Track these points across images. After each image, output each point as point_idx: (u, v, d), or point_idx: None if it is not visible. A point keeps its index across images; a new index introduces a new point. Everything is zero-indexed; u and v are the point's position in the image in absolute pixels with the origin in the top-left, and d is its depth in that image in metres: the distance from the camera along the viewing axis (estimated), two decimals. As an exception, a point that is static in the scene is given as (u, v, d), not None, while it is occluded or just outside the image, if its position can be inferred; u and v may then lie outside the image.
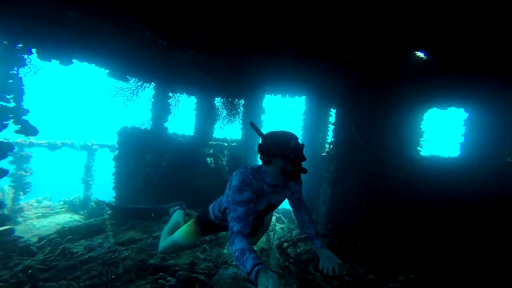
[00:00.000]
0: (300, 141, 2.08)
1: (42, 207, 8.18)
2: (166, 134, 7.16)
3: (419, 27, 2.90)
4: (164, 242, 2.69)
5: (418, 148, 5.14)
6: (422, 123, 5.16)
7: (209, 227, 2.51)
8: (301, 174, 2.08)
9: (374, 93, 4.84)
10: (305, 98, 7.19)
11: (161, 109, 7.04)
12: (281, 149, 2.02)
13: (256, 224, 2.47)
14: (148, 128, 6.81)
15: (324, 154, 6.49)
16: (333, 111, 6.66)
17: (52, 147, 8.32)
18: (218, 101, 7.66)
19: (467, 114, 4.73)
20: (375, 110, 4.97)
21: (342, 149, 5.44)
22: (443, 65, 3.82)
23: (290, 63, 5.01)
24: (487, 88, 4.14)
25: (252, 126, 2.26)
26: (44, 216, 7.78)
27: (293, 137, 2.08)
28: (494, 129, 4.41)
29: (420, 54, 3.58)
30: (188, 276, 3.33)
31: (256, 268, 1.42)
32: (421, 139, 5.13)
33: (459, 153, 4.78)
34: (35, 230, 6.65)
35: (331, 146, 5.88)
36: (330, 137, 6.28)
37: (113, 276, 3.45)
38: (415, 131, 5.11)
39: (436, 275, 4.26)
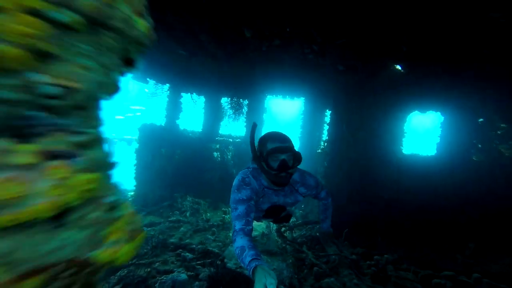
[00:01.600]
0: (287, 145, 1.87)
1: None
2: (178, 130, 7.91)
3: (391, 50, 3.62)
4: None
5: (401, 147, 5.90)
6: (405, 124, 5.90)
7: None
8: (280, 184, 1.90)
9: (363, 98, 5.56)
10: (303, 100, 7.92)
11: (174, 108, 7.77)
12: (261, 151, 1.92)
13: (280, 214, 2.38)
14: (163, 125, 7.56)
15: (319, 151, 7.25)
16: (328, 112, 7.38)
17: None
18: (224, 101, 8.37)
19: (443, 117, 5.47)
20: (364, 113, 5.69)
21: (334, 147, 6.19)
22: (416, 77, 4.55)
23: (290, 71, 5.73)
24: (456, 96, 4.87)
25: (252, 127, 2.07)
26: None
27: (275, 139, 1.92)
28: (463, 132, 5.16)
29: (398, 67, 4.30)
30: (205, 249, 4.14)
31: (253, 264, 1.44)
32: (403, 139, 5.88)
33: (435, 152, 5.53)
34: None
35: (325, 144, 6.64)
36: (325, 136, 7.04)
37: (145, 250, 4.25)
38: (398, 131, 5.85)
39: (409, 254, 5.06)
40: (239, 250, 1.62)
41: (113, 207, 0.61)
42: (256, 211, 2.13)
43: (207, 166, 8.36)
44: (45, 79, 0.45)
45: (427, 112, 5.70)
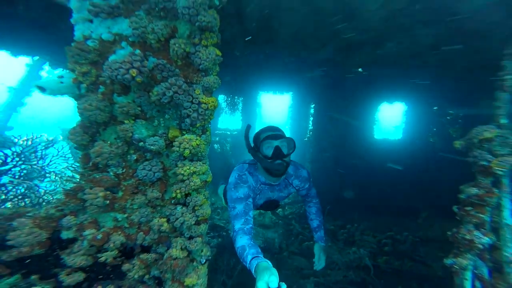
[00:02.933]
0: (278, 133, 1.91)
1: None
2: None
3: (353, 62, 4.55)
4: None
5: (373, 133, 6.93)
6: (376, 113, 6.89)
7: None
8: (275, 172, 1.89)
9: (339, 93, 6.51)
10: (291, 94, 8.84)
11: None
12: (256, 144, 1.94)
13: (273, 208, 2.44)
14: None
15: (306, 139, 8.29)
16: (312, 105, 8.34)
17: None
18: (221, 98, 9.29)
19: (406, 107, 6.45)
20: (341, 105, 6.65)
21: (318, 135, 7.21)
22: (377, 78, 5.49)
23: (278, 72, 6.64)
24: (415, 90, 5.84)
25: (246, 128, 2.12)
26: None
27: (267, 130, 1.95)
28: (422, 119, 6.17)
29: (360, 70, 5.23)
30: (214, 223, 5.26)
31: (255, 262, 1.41)
32: (375, 126, 6.90)
33: (401, 136, 6.56)
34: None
35: (311, 132, 7.66)
36: (310, 126, 8.05)
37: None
38: (370, 120, 6.86)
39: (375, 223, 6.14)
40: (240, 250, 1.60)
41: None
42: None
43: (209, 156, 9.35)
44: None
45: (394, 102, 6.69)
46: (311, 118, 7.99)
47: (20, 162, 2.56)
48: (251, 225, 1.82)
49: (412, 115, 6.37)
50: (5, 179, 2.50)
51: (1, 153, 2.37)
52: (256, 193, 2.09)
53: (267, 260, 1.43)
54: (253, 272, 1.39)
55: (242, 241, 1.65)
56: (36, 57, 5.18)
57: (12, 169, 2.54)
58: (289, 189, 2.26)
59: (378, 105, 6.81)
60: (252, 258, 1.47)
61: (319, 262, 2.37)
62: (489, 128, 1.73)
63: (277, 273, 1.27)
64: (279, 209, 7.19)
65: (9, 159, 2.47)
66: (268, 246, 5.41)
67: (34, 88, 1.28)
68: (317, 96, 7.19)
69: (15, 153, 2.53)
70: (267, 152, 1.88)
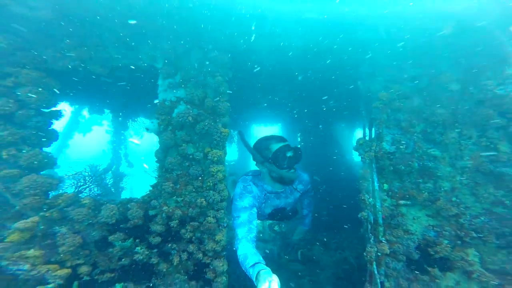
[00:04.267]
0: (288, 143, 2.05)
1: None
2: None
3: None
4: None
5: (352, 155, 8.22)
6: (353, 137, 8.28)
7: None
8: (288, 180, 1.98)
9: (323, 124, 7.91)
10: (280, 125, 10.32)
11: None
12: (263, 154, 2.06)
13: (281, 216, 2.50)
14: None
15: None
16: (298, 134, 9.75)
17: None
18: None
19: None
20: (325, 133, 8.01)
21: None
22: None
23: (267, 110, 8.10)
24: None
25: (240, 135, 2.35)
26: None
27: (277, 141, 2.09)
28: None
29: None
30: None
31: (256, 269, 1.45)
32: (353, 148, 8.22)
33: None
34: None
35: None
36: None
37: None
38: (350, 144, 8.20)
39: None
40: (242, 258, 1.63)
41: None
42: (259, 216, 2.16)
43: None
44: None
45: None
46: (298, 145, 9.33)
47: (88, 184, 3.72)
48: (254, 234, 1.88)
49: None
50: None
51: (80, 177, 3.54)
52: (261, 202, 2.20)
53: (268, 268, 1.45)
54: (254, 279, 1.42)
55: (245, 249, 1.70)
56: (77, 106, 6.53)
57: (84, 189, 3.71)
58: (294, 194, 2.35)
59: (354, 131, 8.25)
60: (254, 265, 1.52)
61: (296, 235, 2.75)
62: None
63: (278, 280, 1.28)
64: (276, 226, 8.04)
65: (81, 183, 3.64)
66: (269, 255, 6.22)
67: (144, 129, 2.53)
68: (302, 127, 8.62)
69: (83, 178, 3.70)
70: (282, 163, 2.00)
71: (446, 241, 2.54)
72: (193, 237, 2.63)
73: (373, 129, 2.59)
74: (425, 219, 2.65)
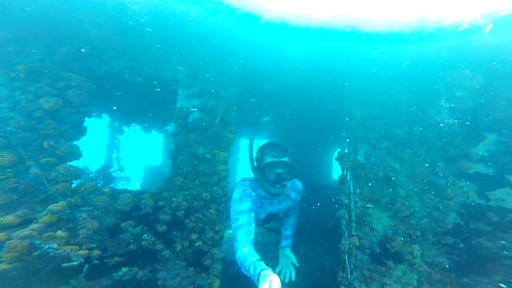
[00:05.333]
0: (284, 160, 2.11)
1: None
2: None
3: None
4: None
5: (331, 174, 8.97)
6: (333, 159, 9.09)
7: None
8: (275, 194, 2.09)
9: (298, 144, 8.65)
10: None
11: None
12: (258, 161, 2.16)
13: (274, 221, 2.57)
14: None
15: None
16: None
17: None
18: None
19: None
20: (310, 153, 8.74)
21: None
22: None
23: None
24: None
25: (250, 143, 2.42)
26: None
27: (273, 154, 2.19)
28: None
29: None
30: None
31: (257, 270, 1.49)
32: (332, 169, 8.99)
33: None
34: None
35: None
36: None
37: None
38: (329, 165, 8.97)
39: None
40: (241, 259, 1.66)
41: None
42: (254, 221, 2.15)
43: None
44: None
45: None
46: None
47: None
48: (253, 237, 1.93)
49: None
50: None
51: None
52: (258, 206, 2.29)
53: (269, 268, 1.50)
54: (255, 279, 1.46)
55: (244, 251, 1.74)
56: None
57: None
58: (287, 201, 2.43)
59: (334, 151, 9.08)
60: (254, 266, 1.56)
61: (289, 265, 2.47)
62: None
63: (279, 280, 1.34)
64: (259, 237, 8.38)
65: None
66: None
67: (164, 130, 3.02)
68: (286, 143, 9.34)
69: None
70: (269, 176, 2.10)
71: (399, 238, 3.19)
72: (196, 227, 3.05)
73: (351, 144, 3.29)
74: (386, 219, 3.31)
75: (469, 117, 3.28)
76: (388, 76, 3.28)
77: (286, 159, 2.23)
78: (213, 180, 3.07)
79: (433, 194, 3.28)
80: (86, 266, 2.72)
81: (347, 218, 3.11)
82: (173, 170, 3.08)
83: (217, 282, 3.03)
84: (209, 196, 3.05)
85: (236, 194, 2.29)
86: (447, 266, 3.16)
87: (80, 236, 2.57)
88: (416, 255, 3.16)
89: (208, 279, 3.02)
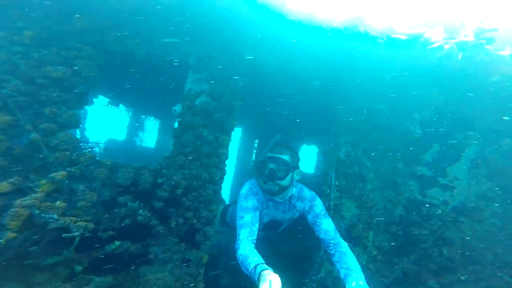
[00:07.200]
0: (278, 155, 2.07)
1: None
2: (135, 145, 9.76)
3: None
4: None
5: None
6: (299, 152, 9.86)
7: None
8: (269, 192, 2.07)
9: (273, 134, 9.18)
10: (241, 129, 11.24)
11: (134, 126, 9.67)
12: (259, 158, 2.39)
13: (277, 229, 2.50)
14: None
15: (249, 168, 10.53)
16: (256, 141, 10.87)
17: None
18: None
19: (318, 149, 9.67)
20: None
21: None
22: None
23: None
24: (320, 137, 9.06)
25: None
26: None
27: (271, 149, 2.19)
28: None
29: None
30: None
31: (258, 270, 1.47)
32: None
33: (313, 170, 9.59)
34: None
35: (253, 162, 9.97)
36: (253, 157, 10.40)
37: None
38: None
39: None
40: (242, 258, 1.64)
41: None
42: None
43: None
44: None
45: (311, 145, 9.88)
46: (255, 151, 10.41)
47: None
48: (255, 236, 1.89)
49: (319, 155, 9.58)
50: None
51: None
52: (264, 207, 2.24)
53: (269, 268, 1.48)
54: (255, 279, 1.44)
55: (245, 250, 1.71)
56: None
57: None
58: (293, 211, 2.31)
59: (301, 145, 9.84)
60: (255, 266, 1.53)
61: None
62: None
63: (280, 280, 1.31)
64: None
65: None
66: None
67: (173, 110, 3.06)
68: (259, 134, 9.76)
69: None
70: (262, 171, 2.07)
71: (361, 225, 3.89)
72: (191, 205, 3.23)
73: (336, 142, 3.82)
74: (353, 209, 3.99)
75: (430, 129, 4.12)
76: (372, 89, 3.87)
77: (285, 156, 2.13)
78: (214, 162, 3.27)
79: (390, 189, 4.05)
80: (77, 238, 2.71)
81: (326, 206, 3.66)
82: (176, 148, 3.18)
83: (205, 257, 3.30)
84: (208, 176, 3.25)
85: (243, 191, 2.25)
86: (387, 249, 3.99)
87: (79, 208, 2.55)
88: (369, 240, 3.91)
89: (198, 254, 3.27)
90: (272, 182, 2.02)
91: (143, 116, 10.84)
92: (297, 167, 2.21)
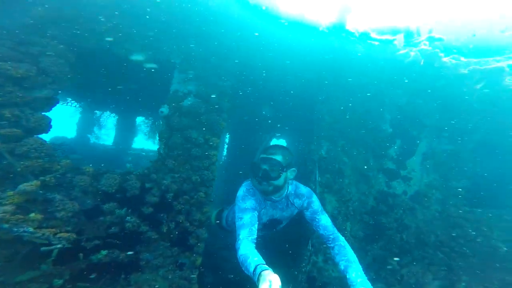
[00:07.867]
0: (271, 156, 2.09)
1: None
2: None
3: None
4: None
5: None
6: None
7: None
8: (264, 193, 2.11)
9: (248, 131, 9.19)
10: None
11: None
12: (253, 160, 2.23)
13: (276, 228, 2.52)
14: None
15: (221, 163, 10.40)
16: (227, 135, 10.70)
17: None
18: (140, 120, 10.06)
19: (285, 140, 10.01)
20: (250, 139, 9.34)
21: (229, 160, 9.49)
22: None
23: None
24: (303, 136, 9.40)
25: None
26: None
27: (266, 149, 2.20)
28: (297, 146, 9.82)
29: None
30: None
31: (258, 270, 1.48)
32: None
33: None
34: None
35: (224, 158, 9.85)
36: (225, 152, 10.25)
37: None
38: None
39: None
40: (242, 258, 1.65)
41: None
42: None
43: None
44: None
45: (280, 138, 10.20)
46: (226, 146, 10.29)
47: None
48: (255, 236, 1.91)
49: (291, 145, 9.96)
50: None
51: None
52: (262, 207, 2.28)
53: (269, 268, 1.49)
54: (255, 279, 1.46)
55: (246, 250, 1.73)
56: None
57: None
58: (291, 209, 2.36)
59: (272, 137, 10.07)
60: (256, 266, 1.54)
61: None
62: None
63: (280, 280, 1.33)
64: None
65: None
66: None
67: (160, 111, 2.82)
68: (231, 128, 9.67)
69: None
70: (256, 172, 2.10)
71: (340, 217, 4.24)
72: (183, 209, 3.11)
73: (318, 140, 4.03)
74: (334, 202, 4.31)
75: (396, 127, 4.62)
76: (351, 89, 4.16)
77: (277, 157, 2.16)
78: (204, 164, 3.17)
79: (363, 183, 4.48)
80: (55, 250, 2.40)
81: (311, 201, 3.88)
82: (165, 152, 2.99)
83: (199, 260, 3.24)
84: (199, 179, 3.14)
85: (240, 192, 2.26)
86: (361, 238, 4.44)
87: (59, 219, 2.25)
88: (348, 230, 4.29)
89: (191, 257, 3.18)
90: (266, 182, 2.07)
91: (97, 112, 9.78)
92: (291, 166, 2.24)
